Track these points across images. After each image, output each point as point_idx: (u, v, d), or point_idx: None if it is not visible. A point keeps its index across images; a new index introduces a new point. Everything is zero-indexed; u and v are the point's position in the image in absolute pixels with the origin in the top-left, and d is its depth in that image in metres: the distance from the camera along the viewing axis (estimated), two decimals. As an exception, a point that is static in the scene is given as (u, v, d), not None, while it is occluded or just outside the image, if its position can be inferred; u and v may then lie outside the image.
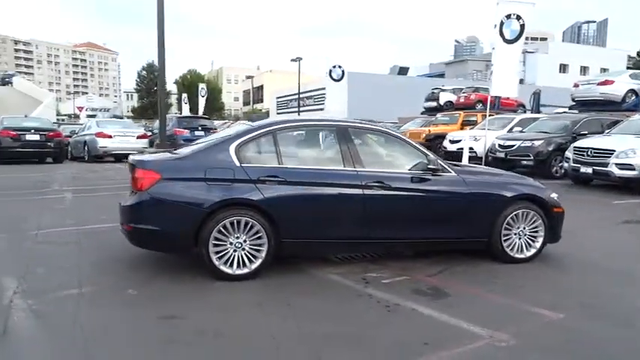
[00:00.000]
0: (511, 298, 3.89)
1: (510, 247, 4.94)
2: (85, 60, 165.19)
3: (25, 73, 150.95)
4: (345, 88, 37.57)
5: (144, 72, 73.70)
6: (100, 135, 15.42)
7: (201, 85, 40.39)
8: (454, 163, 5.33)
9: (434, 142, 16.51)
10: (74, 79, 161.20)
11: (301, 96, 41.87)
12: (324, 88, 33.37)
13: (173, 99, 69.23)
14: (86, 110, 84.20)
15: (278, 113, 51.65)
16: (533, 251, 5.01)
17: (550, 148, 12.11)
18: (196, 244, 4.20)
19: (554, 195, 5.16)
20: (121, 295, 3.92)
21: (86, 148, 15.61)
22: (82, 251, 5.13)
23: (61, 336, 3.16)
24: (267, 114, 55.73)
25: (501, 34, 13.93)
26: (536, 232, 5.00)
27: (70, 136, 18.14)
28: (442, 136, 15.95)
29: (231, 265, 4.25)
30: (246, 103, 73.48)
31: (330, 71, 23.18)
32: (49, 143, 14.66)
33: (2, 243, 5.42)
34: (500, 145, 12.91)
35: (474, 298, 3.97)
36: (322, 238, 4.49)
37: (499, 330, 3.23)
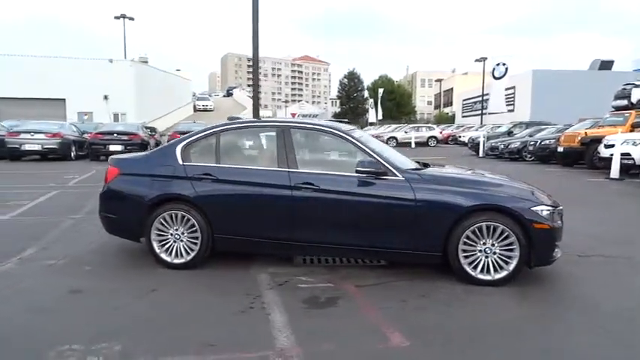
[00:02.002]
0: (387, 320, 3.42)
1: (473, 266, 4.24)
2: (301, 72, 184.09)
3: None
4: (529, 87, 34.27)
5: (345, 80, 78.77)
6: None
7: (380, 90, 41.38)
8: (421, 164, 4.74)
9: (590, 147, 14.11)
10: (292, 88, 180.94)
11: (485, 97, 39.46)
12: (507, 88, 31.03)
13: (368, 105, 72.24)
14: (297, 116, 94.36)
15: (463, 116, 49.57)
16: (504, 274, 4.20)
17: None
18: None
19: (540, 208, 4.21)
20: (77, 269, 4.64)
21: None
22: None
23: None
24: (452, 118, 54.04)
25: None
26: (510, 250, 4.18)
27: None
28: (600, 140, 13.46)
29: (171, 254, 4.66)
30: (437, 107, 72.30)
31: (493, 70, 21.48)
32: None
33: (70, 222, 6.81)
34: (655, 151, 10.41)
35: (352, 312, 3.60)
36: (252, 236, 4.55)
37: (303, 345, 2.97)
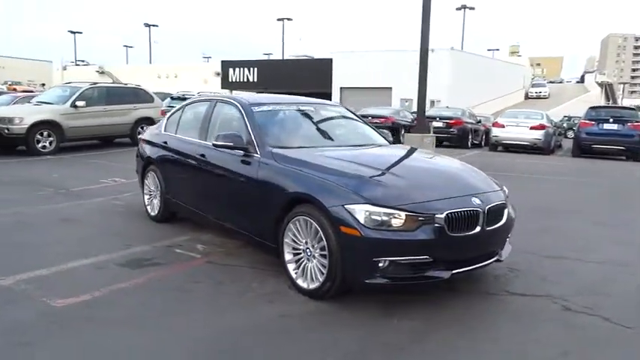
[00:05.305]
0: (131, 291, 3.51)
1: (296, 267, 3.54)
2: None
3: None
4: None
5: None
6: (495, 125, 15.88)
7: None
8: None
9: None
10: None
11: None
12: None
13: None
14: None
15: None
16: (315, 285, 3.36)
17: None
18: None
19: (358, 207, 3.10)
20: (112, 209, 6.05)
21: (483, 136, 16.64)
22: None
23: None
24: None
25: None
26: (325, 257, 3.29)
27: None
28: None
29: (152, 208, 5.57)
30: None
31: None
32: (450, 130, 16.52)
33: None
34: None
35: (130, 276, 3.75)
36: (182, 201, 4.93)
37: (45, 283, 3.52)
